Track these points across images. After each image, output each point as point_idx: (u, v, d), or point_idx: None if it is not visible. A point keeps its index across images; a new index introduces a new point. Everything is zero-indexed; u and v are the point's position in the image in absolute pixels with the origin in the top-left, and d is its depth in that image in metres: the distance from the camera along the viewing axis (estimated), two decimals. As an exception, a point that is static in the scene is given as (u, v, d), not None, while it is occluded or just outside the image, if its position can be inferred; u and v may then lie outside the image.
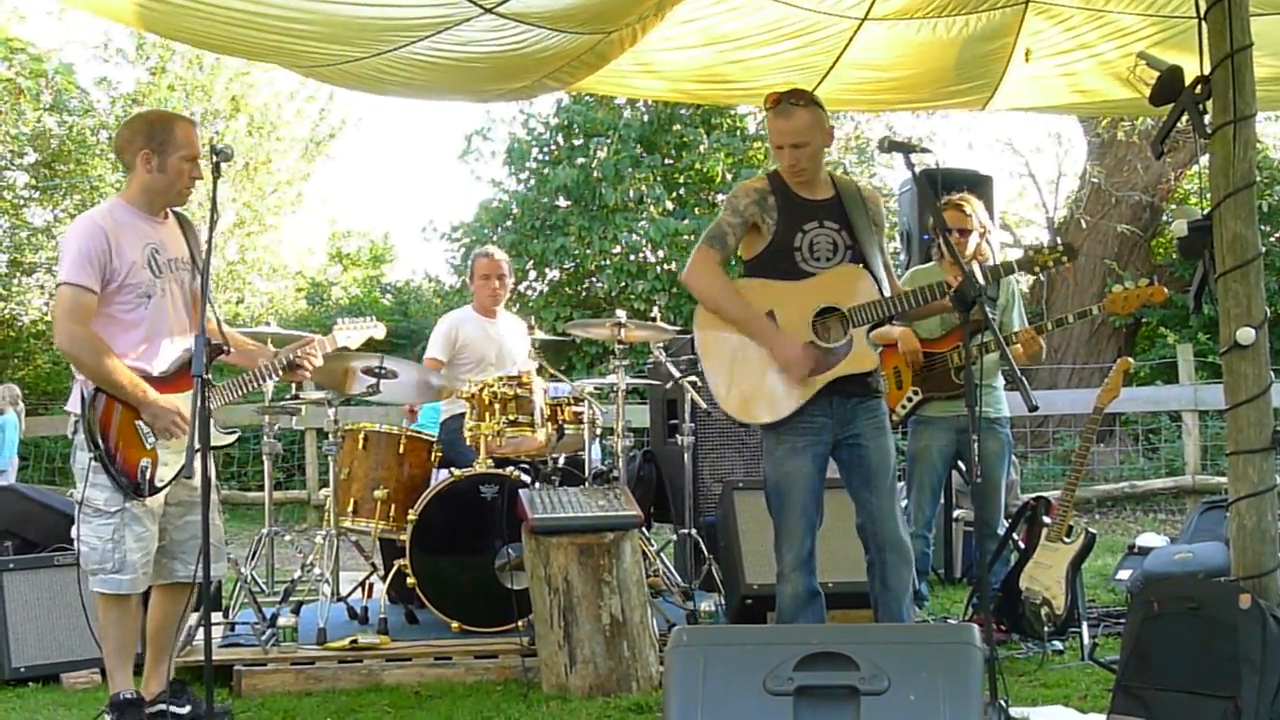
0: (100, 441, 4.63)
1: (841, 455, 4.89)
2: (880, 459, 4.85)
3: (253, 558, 6.82)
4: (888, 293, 4.84)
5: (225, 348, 4.83)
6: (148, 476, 4.67)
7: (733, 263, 5.03)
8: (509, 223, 18.14)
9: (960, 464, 6.77)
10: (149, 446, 4.70)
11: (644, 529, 6.50)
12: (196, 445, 4.22)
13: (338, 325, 5.47)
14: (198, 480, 4.34)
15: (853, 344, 4.75)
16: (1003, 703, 4.07)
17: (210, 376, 4.37)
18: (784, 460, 4.80)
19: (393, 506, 6.36)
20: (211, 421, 4.74)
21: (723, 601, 6.45)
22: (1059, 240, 4.98)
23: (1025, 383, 4.28)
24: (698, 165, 17.85)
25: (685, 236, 16.81)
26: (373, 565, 6.66)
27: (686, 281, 4.98)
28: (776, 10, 5.70)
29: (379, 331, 5.62)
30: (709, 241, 4.89)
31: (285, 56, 5.46)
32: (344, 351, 5.61)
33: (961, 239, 6.11)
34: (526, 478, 6.15)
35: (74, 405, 4.70)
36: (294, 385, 6.02)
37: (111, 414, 4.67)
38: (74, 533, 4.77)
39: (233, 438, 5.03)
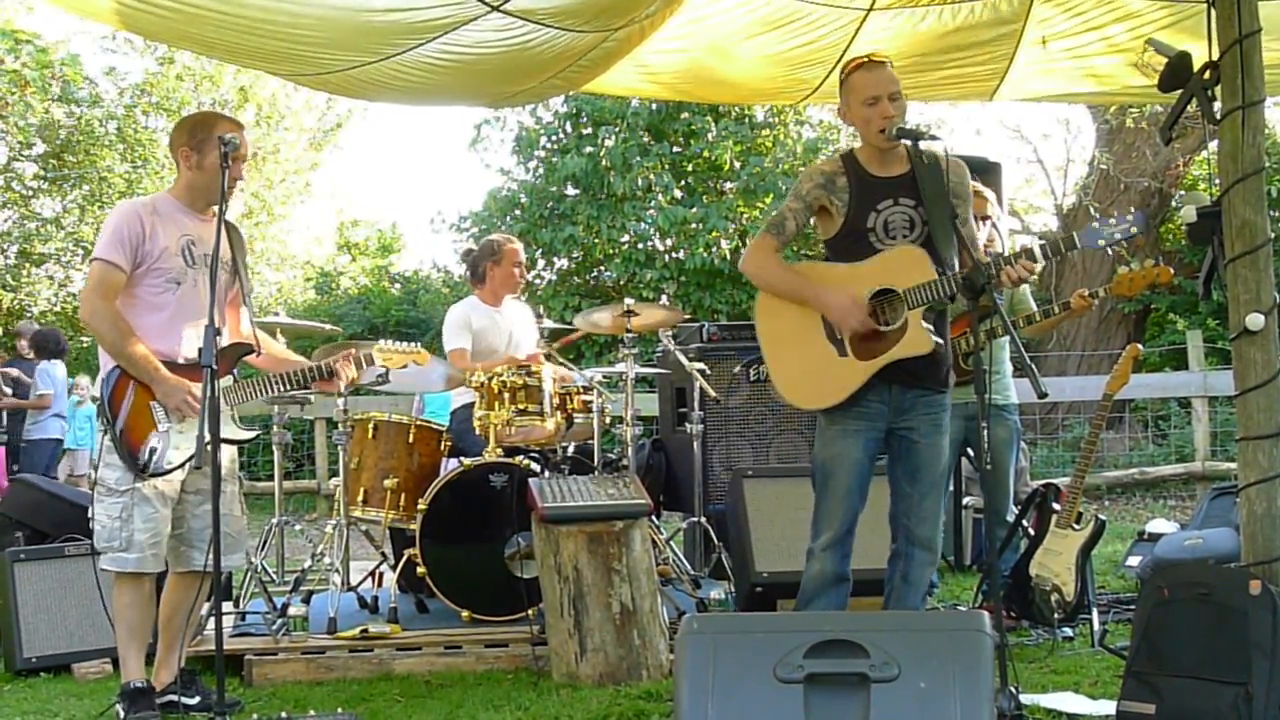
0: (113, 419, 4.73)
1: (892, 444, 4.81)
2: (930, 457, 4.76)
3: (263, 547, 6.83)
4: (958, 268, 4.64)
5: (256, 350, 4.91)
6: (154, 457, 4.74)
7: (795, 249, 4.95)
8: (517, 212, 18.15)
9: (969, 451, 6.77)
10: (162, 428, 4.77)
11: (653, 517, 6.51)
12: (207, 436, 4.25)
13: (378, 346, 5.39)
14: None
15: (907, 327, 4.61)
16: (1013, 689, 4.07)
17: (237, 373, 4.43)
18: (834, 441, 4.73)
19: (403, 496, 6.36)
20: (231, 416, 4.82)
21: (732, 589, 6.46)
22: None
23: (1034, 369, 4.27)
24: (706, 153, 17.81)
25: (693, 225, 16.81)
26: (383, 554, 6.66)
27: (742, 269, 4.95)
28: (784, 4, 5.69)
29: (421, 359, 5.55)
30: (768, 228, 4.84)
31: (291, 63, 5.45)
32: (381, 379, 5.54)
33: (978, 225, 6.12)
34: (536, 466, 6.15)
35: (96, 387, 4.80)
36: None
37: (126, 393, 4.77)
38: (90, 512, 4.86)
39: (251, 434, 5.07)
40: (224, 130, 4.82)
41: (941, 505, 4.89)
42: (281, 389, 5.10)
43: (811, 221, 4.90)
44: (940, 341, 4.68)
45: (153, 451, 4.75)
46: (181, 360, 4.83)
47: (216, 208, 4.97)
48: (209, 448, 4.29)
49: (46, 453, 12.55)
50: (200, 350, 4.37)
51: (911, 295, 4.59)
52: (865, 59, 4.77)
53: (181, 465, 4.80)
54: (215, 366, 4.32)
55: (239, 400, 4.93)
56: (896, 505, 4.85)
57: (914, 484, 4.78)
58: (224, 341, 4.92)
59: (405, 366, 5.43)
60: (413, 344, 5.54)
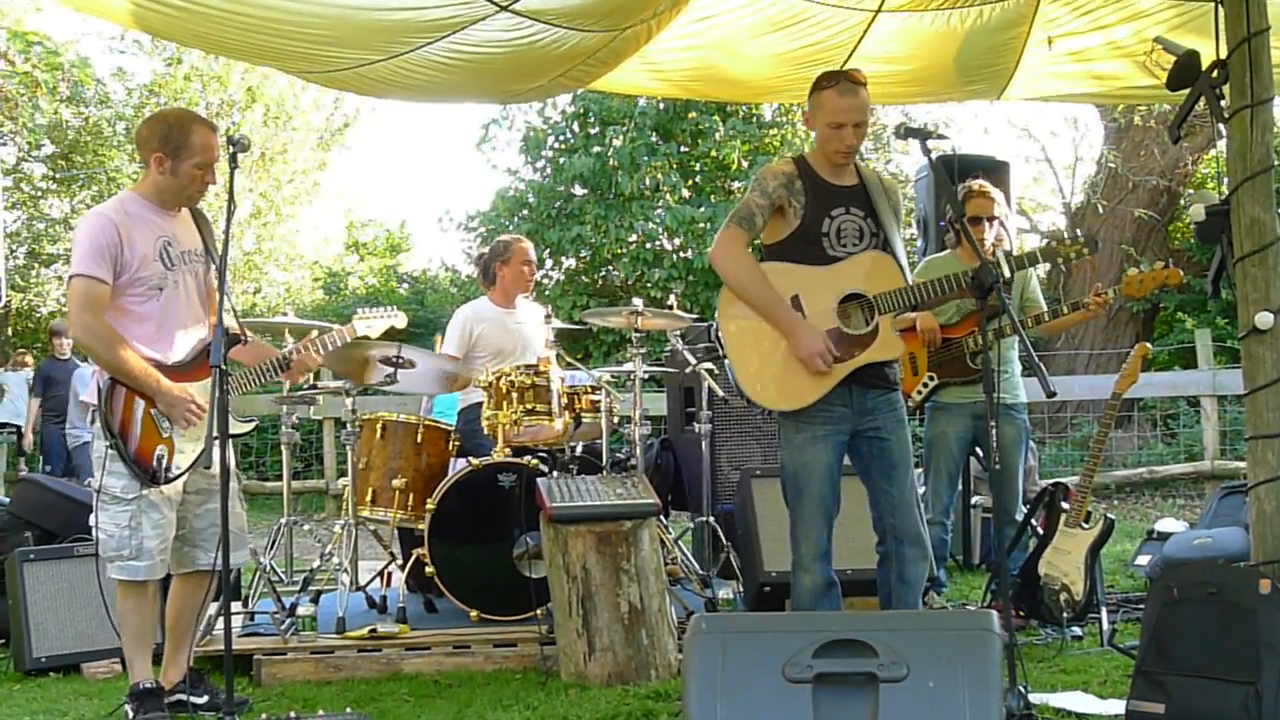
0: (115, 430, 4.68)
1: (861, 447, 4.85)
2: (902, 452, 4.82)
3: (271, 547, 6.83)
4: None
5: (243, 338, 4.87)
6: (163, 465, 4.73)
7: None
8: (525, 211, 18.13)
9: (978, 450, 6.76)
10: (165, 435, 4.76)
11: (662, 517, 6.51)
12: (215, 434, 4.25)
13: (357, 315, 5.49)
14: (217, 469, 4.37)
15: (879, 332, 4.72)
16: (1022, 689, 4.07)
17: (227, 367, 4.41)
18: (802, 449, 4.77)
19: (411, 496, 6.36)
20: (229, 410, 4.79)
21: (741, 589, 6.45)
22: (1080, 232, 5.01)
23: (1043, 368, 4.27)
24: (713, 153, 17.81)
25: (701, 224, 16.78)
26: (391, 554, 6.67)
27: (713, 261, 4.94)
28: (791, 4, 5.69)
29: (399, 321, 5.64)
30: (736, 222, 4.84)
31: (300, 61, 5.45)
32: (363, 341, 5.64)
33: (984, 226, 6.12)
34: (544, 466, 6.15)
35: (91, 395, 4.76)
36: (311, 375, 6.03)
37: (128, 403, 4.72)
38: (92, 520, 4.82)
39: (250, 426, 5.08)
40: (201, 136, 4.79)
41: (917, 496, 4.93)
42: (266, 381, 5.12)
43: None
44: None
45: (160, 459, 4.73)
46: (170, 364, 4.79)
47: (187, 208, 4.96)
48: (215, 447, 4.28)
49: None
50: (203, 351, 4.36)
51: (883, 300, 4.72)
52: (842, 77, 4.82)
53: (190, 468, 4.79)
54: (225, 366, 4.32)
55: (234, 392, 4.91)
56: (879, 508, 4.89)
57: (892, 482, 4.83)
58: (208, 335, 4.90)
59: (388, 353, 5.45)
60: (389, 307, 5.66)
